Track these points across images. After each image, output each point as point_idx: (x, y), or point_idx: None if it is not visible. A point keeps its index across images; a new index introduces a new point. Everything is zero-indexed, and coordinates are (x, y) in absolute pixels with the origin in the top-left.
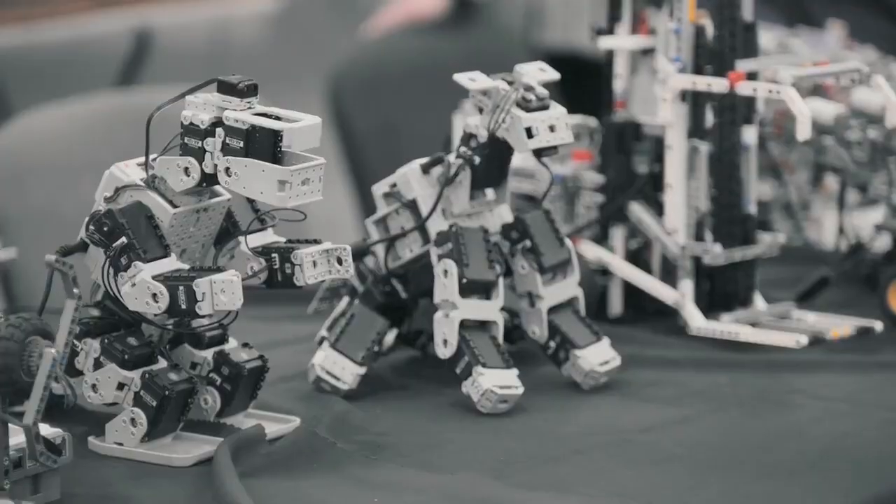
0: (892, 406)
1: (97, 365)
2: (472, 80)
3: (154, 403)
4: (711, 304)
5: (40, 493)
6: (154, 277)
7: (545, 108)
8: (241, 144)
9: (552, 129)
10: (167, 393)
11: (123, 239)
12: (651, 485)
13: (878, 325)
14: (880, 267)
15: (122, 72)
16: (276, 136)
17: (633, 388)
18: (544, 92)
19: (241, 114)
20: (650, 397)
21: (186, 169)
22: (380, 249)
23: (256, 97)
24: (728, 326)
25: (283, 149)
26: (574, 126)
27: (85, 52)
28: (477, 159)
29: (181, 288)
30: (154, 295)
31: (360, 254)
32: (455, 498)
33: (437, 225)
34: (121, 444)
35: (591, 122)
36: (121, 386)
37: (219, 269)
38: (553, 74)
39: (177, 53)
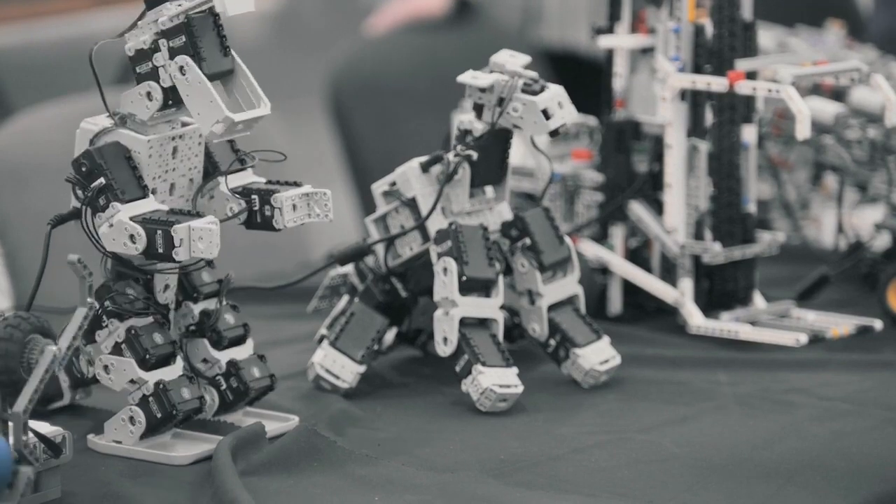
0: (892, 406)
1: (116, 350)
2: (474, 77)
3: (159, 416)
4: (711, 302)
5: (41, 491)
6: (132, 218)
7: (545, 88)
8: (184, 38)
9: (560, 106)
10: (175, 412)
11: (102, 179)
12: (651, 485)
13: (878, 324)
14: (880, 266)
15: (122, 71)
16: (211, 11)
17: (633, 387)
18: (534, 74)
19: (172, 11)
20: (650, 396)
21: (149, 94)
22: (379, 248)
23: None
24: (728, 325)
25: (218, 16)
26: (574, 125)
27: (85, 51)
28: (474, 154)
29: (159, 232)
30: (131, 236)
31: (360, 254)
32: (455, 496)
33: (436, 223)
34: (119, 443)
35: (591, 121)
36: (133, 381)
37: (198, 214)
38: (524, 58)
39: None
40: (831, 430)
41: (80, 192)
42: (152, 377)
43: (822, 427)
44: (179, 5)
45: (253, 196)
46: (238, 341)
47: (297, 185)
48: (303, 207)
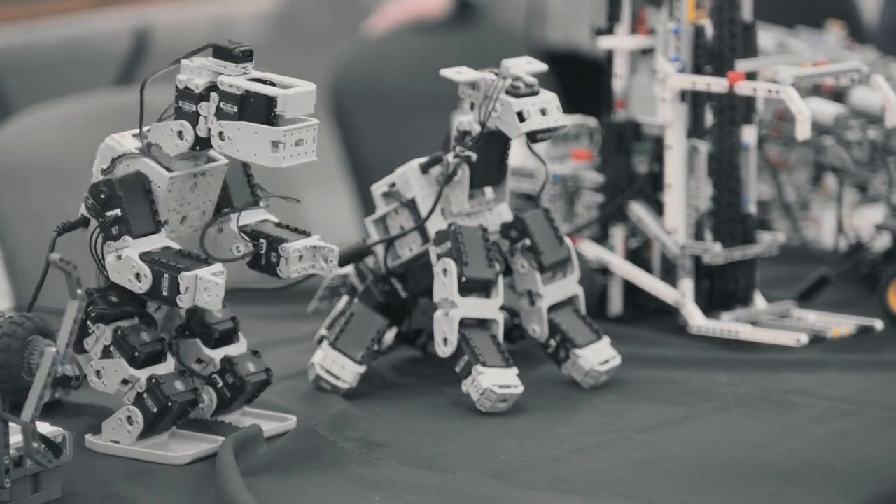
0: (892, 406)
1: (105, 353)
2: (459, 73)
3: (155, 410)
4: (711, 303)
5: (41, 491)
6: (142, 255)
7: (535, 93)
8: (236, 109)
9: (543, 112)
10: (170, 404)
11: (118, 211)
12: (651, 485)
13: (879, 325)
14: (880, 266)
15: (122, 71)
16: (270, 102)
17: (633, 388)
18: (532, 80)
19: (235, 79)
20: (650, 396)
21: (180, 132)
22: (379, 249)
23: (252, 63)
24: (728, 325)
25: (277, 115)
26: (574, 126)
27: (85, 51)
28: (474, 156)
29: (166, 276)
30: (137, 274)
31: (360, 255)
32: (455, 497)
33: (436, 224)
34: (117, 442)
35: (591, 121)
36: (125, 381)
37: (206, 260)
38: (540, 66)
39: (177, 53)
40: (831, 430)
41: (92, 209)
42: (144, 374)
43: (822, 427)
44: (244, 72)
45: (261, 240)
46: (229, 335)
47: (306, 234)
48: (308, 259)
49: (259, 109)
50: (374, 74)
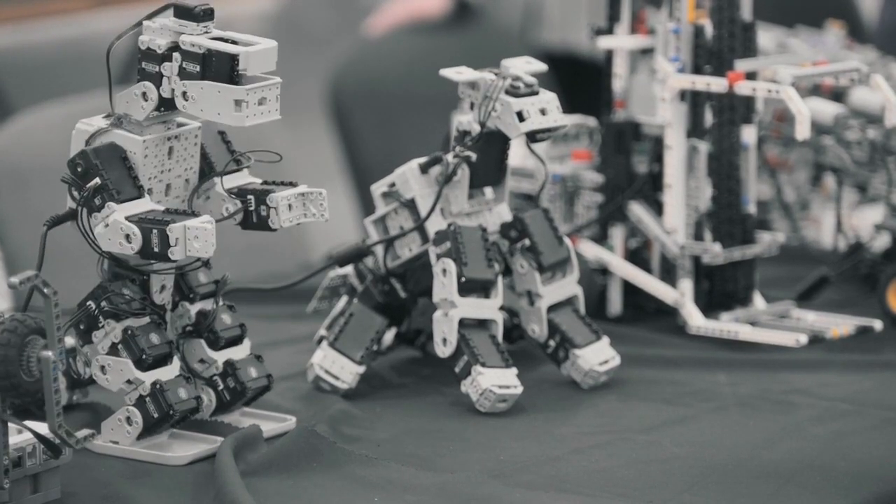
0: (892, 406)
1: (113, 350)
2: (458, 73)
3: (156, 416)
4: (711, 303)
5: (40, 491)
6: (128, 218)
7: (535, 93)
8: (198, 69)
9: (543, 112)
10: (171, 412)
11: (97, 180)
12: (651, 485)
13: (878, 325)
14: (880, 266)
15: (122, 71)
16: (232, 59)
17: (633, 388)
18: (532, 80)
19: (197, 38)
20: (650, 397)
21: (144, 94)
22: (379, 249)
23: (213, 21)
24: (727, 325)
25: (239, 72)
26: (573, 126)
27: (84, 51)
28: (473, 156)
29: (154, 231)
30: (127, 236)
31: (359, 255)
32: (455, 497)
33: (435, 224)
34: (116, 443)
35: (591, 121)
36: (129, 381)
37: (194, 214)
38: (540, 66)
39: None
40: (831, 430)
41: (75, 193)
42: (149, 377)
43: (822, 427)
44: (206, 31)
45: (248, 196)
46: (235, 341)
47: (292, 185)
48: (298, 207)
49: (221, 68)
50: (374, 74)
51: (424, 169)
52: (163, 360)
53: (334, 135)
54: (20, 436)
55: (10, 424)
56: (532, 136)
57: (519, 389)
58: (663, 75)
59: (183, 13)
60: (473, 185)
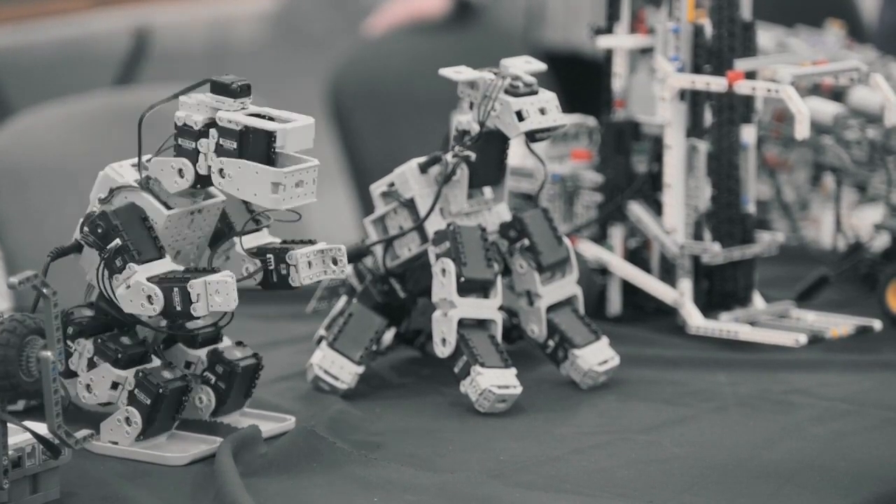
0: (892, 406)
1: (91, 365)
2: (458, 72)
3: (148, 401)
4: (710, 303)
5: (39, 492)
6: (149, 279)
7: (534, 93)
8: (235, 145)
9: (542, 112)
10: (161, 391)
11: (118, 241)
12: (651, 485)
13: (878, 325)
14: (879, 266)
15: (121, 71)
16: (269, 136)
17: (632, 388)
18: (532, 79)
19: (234, 114)
20: (650, 397)
21: (180, 170)
22: (378, 249)
23: (250, 97)
24: (727, 325)
25: (276, 150)
26: (573, 125)
27: (84, 51)
28: (473, 155)
29: (176, 289)
30: (149, 297)
31: (359, 255)
32: (454, 497)
33: (434, 224)
34: (115, 443)
35: (591, 121)
36: (115, 385)
37: (213, 270)
38: (539, 65)
39: (176, 53)
40: (831, 430)
41: (87, 236)
42: (130, 373)
43: (822, 427)
44: (243, 107)
45: (268, 255)
46: (212, 338)
47: (311, 242)
48: (318, 264)
49: (259, 144)
50: (374, 74)
51: (424, 169)
52: (140, 359)
53: (334, 135)
54: (19, 437)
55: (9, 425)
56: (531, 136)
57: (518, 389)
58: (663, 75)
59: (220, 89)
60: (473, 184)
